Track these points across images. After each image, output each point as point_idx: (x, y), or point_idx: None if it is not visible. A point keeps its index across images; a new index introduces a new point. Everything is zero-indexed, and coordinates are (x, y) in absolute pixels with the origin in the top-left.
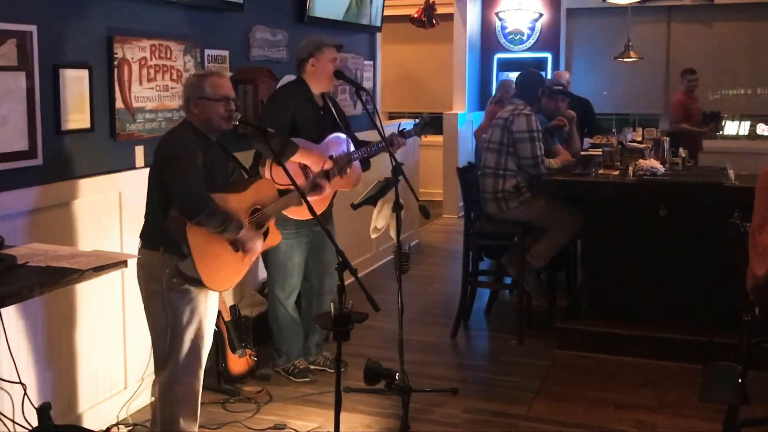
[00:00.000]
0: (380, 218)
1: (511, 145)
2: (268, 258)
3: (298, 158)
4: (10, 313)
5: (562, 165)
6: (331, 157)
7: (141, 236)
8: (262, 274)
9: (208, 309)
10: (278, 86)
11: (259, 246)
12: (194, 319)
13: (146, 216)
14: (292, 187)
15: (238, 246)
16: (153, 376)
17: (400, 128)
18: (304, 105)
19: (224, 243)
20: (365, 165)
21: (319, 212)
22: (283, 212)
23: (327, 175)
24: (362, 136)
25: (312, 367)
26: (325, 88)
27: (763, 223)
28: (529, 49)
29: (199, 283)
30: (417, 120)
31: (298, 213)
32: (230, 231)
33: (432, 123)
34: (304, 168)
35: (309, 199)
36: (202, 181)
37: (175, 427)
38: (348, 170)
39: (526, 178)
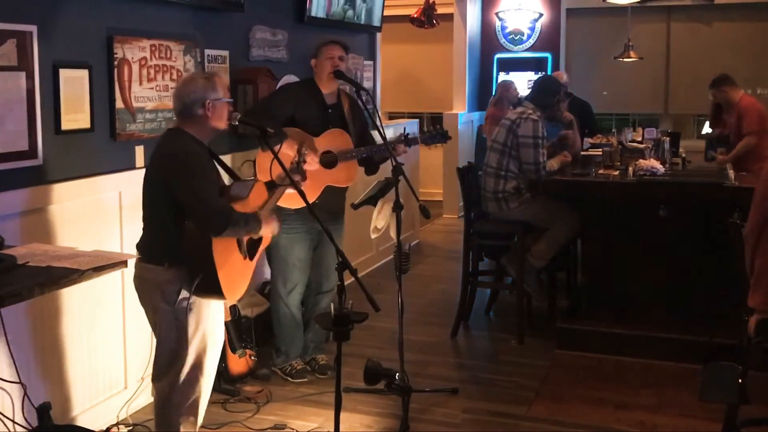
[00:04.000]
0: (380, 218)
1: (514, 148)
2: (270, 254)
3: (284, 147)
4: (10, 313)
5: (561, 165)
6: (327, 152)
7: (139, 249)
8: (262, 274)
9: (212, 316)
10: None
11: (276, 225)
12: (199, 329)
13: (147, 229)
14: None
15: (245, 251)
16: None
17: (405, 133)
18: (308, 102)
19: (235, 251)
20: (372, 169)
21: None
22: (281, 204)
23: (298, 167)
24: None
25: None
26: (327, 86)
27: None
28: (529, 49)
29: (215, 296)
30: (430, 130)
31: (291, 200)
32: (255, 229)
33: (443, 137)
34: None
35: (291, 189)
36: (218, 194)
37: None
38: (316, 164)
39: (527, 180)
